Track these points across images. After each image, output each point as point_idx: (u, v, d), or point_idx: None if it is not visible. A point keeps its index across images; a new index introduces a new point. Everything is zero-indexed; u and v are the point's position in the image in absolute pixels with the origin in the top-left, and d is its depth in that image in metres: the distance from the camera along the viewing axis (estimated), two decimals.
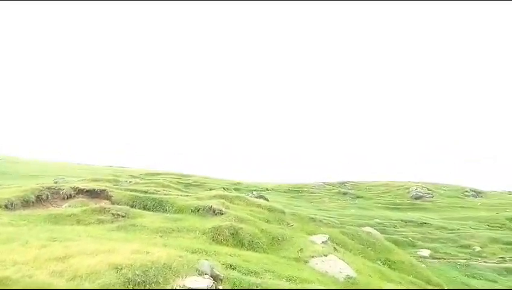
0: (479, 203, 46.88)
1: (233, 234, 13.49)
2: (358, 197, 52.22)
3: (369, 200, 50.42)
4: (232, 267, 10.63)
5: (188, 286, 7.17)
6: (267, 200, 34.08)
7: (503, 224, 37.58)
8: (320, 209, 45.67)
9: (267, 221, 16.21)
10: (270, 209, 17.59)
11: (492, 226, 36.88)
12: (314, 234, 17.16)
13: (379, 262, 19.30)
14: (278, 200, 46.97)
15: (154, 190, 19.44)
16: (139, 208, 16.05)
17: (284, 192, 56.47)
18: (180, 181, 47.70)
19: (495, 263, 28.94)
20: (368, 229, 26.14)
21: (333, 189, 55.96)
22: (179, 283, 7.29)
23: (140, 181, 27.59)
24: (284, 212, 18.13)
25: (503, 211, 42.52)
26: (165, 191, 19.74)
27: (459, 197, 50.09)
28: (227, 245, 13.09)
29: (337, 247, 15.90)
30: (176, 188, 31.30)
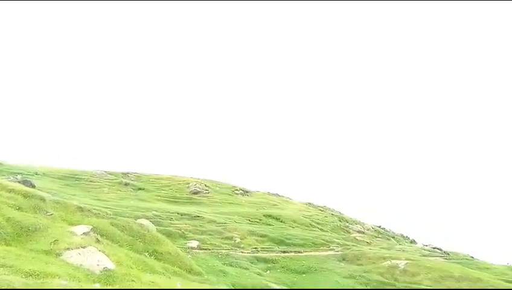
0: (244, 201, 53.84)
1: None
2: (140, 188, 51.70)
3: (150, 193, 50.60)
4: None
5: None
6: (34, 186, 29.62)
7: (260, 219, 44.14)
8: (98, 199, 42.95)
9: (19, 208, 13.84)
10: (26, 195, 15.13)
11: (252, 221, 42.75)
12: (78, 225, 15.73)
13: (146, 253, 19.31)
14: (49, 187, 41.66)
15: None
16: None
17: (58, 178, 50.55)
18: None
19: (249, 252, 33.53)
20: (142, 221, 25.96)
21: (115, 179, 53.62)
22: None
23: None
24: (44, 200, 15.92)
25: (262, 209, 50.06)
26: None
27: (230, 195, 56.19)
28: None
29: (100, 238, 14.96)
30: None
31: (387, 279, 30.93)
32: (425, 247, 45.62)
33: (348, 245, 38.87)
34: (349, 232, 47.81)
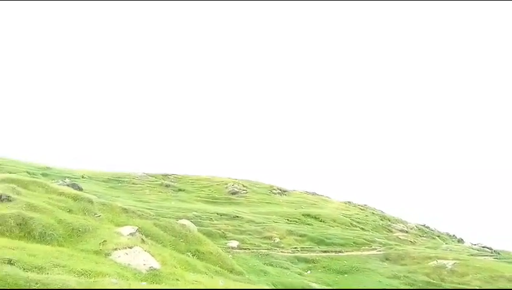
0: (282, 201, 53.74)
1: (20, 224, 11.54)
2: (180, 190, 52.87)
3: (190, 194, 51.63)
4: (10, 262, 9.03)
5: None
6: (81, 189, 31.04)
7: (299, 219, 43.88)
8: (141, 201, 44.33)
9: (69, 211, 14.52)
10: (76, 198, 15.85)
11: (290, 221, 42.58)
12: (124, 226, 16.30)
13: (189, 253, 19.72)
14: (95, 190, 43.42)
15: None
16: None
17: (103, 181, 52.65)
18: None
19: (289, 252, 33.41)
20: (183, 221, 26.54)
21: (156, 181, 55.16)
22: None
23: None
24: (91, 202, 16.61)
25: (300, 208, 49.74)
26: None
27: (267, 194, 56.29)
28: (11, 237, 11.11)
29: (145, 239, 15.43)
30: None
31: (433, 279, 29.79)
32: (473, 246, 43.58)
33: (391, 245, 37.82)
34: (392, 232, 46.51)
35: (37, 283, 7.92)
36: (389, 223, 51.50)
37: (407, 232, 48.04)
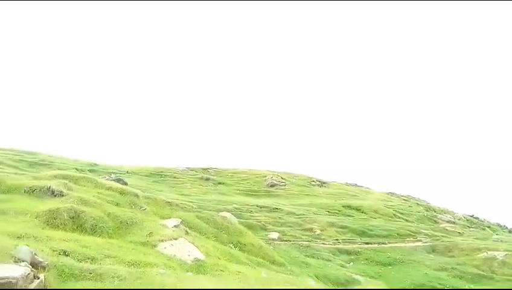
0: (321, 192, 53.17)
1: (73, 217, 12.18)
2: (220, 183, 53.66)
3: (229, 186, 52.28)
4: (65, 253, 9.56)
5: None
6: (126, 183, 32.30)
7: (339, 210, 43.26)
8: (182, 194, 45.43)
9: (117, 204, 15.17)
10: (122, 192, 16.51)
11: (331, 212, 42.08)
12: (168, 218, 16.81)
13: (231, 245, 20.03)
14: (138, 184, 44.97)
15: None
16: None
17: (146, 176, 54.44)
18: (23, 159, 41.74)
19: (330, 244, 33.07)
20: (224, 213, 27.01)
21: (196, 174, 56.30)
22: None
23: None
24: (137, 196, 17.25)
25: (340, 200, 49.03)
26: None
27: (306, 186, 55.89)
28: (65, 230, 11.76)
29: (189, 231, 15.84)
30: (12, 166, 27.15)
31: (483, 271, 28.47)
32: None
33: (437, 236, 36.46)
34: (438, 223, 44.79)
35: (90, 273, 8.33)
36: (435, 214, 49.62)
37: (454, 223, 46.09)
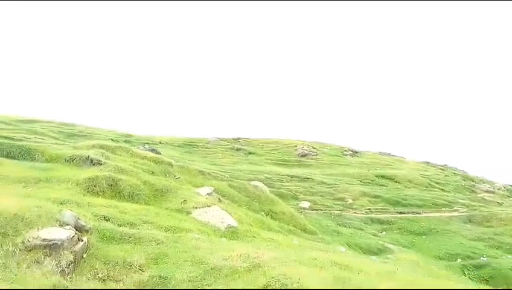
0: (354, 162, 52.50)
1: (111, 185, 12.67)
2: (250, 153, 54.02)
3: (260, 157, 52.57)
4: (106, 218, 10.01)
5: (43, 237, 6.41)
6: (159, 153, 33.13)
7: (372, 180, 42.69)
8: (214, 164, 46.16)
9: (152, 173, 15.62)
10: (157, 161, 16.96)
11: (363, 182, 41.63)
12: (201, 187, 17.17)
13: (262, 213, 20.33)
14: (171, 154, 45.99)
15: (23, 137, 17.12)
16: (0, 156, 13.99)
17: (178, 146, 55.55)
18: (62, 131, 43.49)
19: (362, 213, 32.89)
20: (255, 183, 27.28)
21: (227, 145, 56.86)
22: (33, 234, 6.48)
23: (8, 127, 24.18)
24: (171, 165, 17.67)
25: (373, 169, 48.27)
26: (36, 139, 17.54)
27: (338, 156, 55.29)
28: (104, 197, 12.28)
29: (222, 199, 16.15)
30: (53, 137, 28.31)
31: None
32: None
33: (475, 206, 35.43)
34: (476, 192, 43.42)
35: (130, 237, 8.70)
36: (473, 183, 48.04)
37: (493, 192, 44.53)
